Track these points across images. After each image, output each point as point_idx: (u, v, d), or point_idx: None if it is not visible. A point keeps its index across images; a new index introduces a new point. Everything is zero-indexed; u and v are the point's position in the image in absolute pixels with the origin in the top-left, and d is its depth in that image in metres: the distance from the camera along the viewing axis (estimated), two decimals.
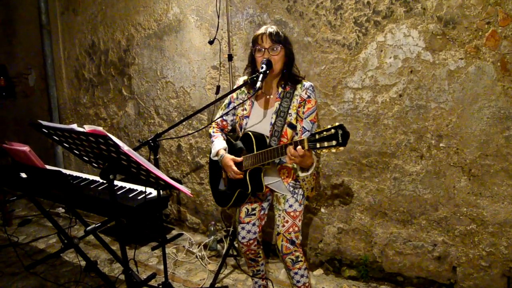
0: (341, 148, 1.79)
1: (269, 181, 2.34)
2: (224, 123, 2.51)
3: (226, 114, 2.46)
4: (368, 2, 2.70)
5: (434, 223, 2.76)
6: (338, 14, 2.83)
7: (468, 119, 2.52)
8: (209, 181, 2.72)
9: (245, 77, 2.39)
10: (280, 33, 2.20)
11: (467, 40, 2.44)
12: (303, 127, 2.24)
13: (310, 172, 2.14)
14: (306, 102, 2.23)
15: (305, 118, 2.24)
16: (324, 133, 1.80)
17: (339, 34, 2.86)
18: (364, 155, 2.92)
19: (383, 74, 2.74)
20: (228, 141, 2.48)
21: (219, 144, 2.41)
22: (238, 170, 2.26)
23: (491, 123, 2.46)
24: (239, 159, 2.29)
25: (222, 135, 2.50)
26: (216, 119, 2.50)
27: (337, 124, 1.78)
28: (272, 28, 2.19)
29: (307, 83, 2.26)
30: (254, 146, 2.21)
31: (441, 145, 2.64)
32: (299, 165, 2.12)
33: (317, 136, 1.83)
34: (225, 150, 2.38)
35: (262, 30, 2.20)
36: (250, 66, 2.36)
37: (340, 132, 1.76)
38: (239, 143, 2.36)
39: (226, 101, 2.49)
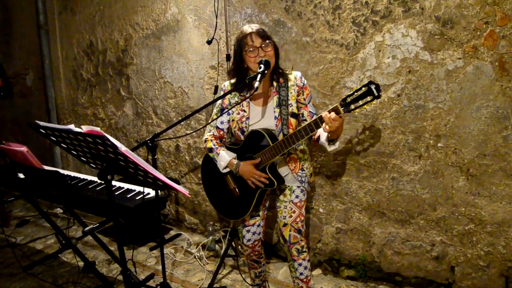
0: (374, 102, 1.89)
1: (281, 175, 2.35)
2: (221, 132, 2.41)
3: (221, 122, 2.39)
4: (366, 2, 2.70)
5: (432, 223, 2.76)
6: (336, 14, 2.83)
7: (466, 119, 2.53)
8: (210, 199, 2.60)
9: (229, 82, 2.36)
10: (264, 27, 2.22)
11: (465, 40, 2.44)
12: (310, 111, 2.31)
13: (338, 144, 2.21)
14: (303, 89, 2.29)
15: (308, 103, 2.31)
16: (355, 93, 1.89)
17: (337, 34, 2.86)
18: (362, 155, 2.92)
19: (382, 74, 2.74)
20: (230, 149, 2.41)
21: (227, 154, 2.33)
22: (262, 173, 2.24)
23: (489, 122, 2.46)
24: (257, 160, 2.25)
25: (223, 146, 2.41)
26: (210, 124, 2.41)
27: (365, 82, 1.87)
28: (255, 25, 2.19)
29: (297, 73, 2.31)
30: (268, 139, 2.19)
31: (439, 145, 2.64)
32: (334, 134, 2.14)
33: (348, 99, 1.92)
34: (235, 158, 2.33)
35: (247, 30, 2.17)
36: (235, 70, 2.28)
37: (373, 86, 1.85)
38: (245, 145, 2.33)
39: (217, 108, 2.40)
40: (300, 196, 2.40)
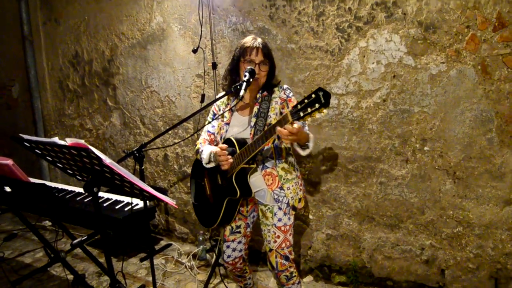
0: (325, 111, 1.74)
1: (254, 189, 2.26)
2: (212, 136, 2.43)
3: (212, 126, 2.42)
4: (349, 8, 2.72)
5: (421, 227, 2.77)
6: (320, 21, 2.84)
7: (451, 122, 2.55)
8: (193, 203, 2.64)
9: (222, 89, 2.40)
10: (268, 45, 2.24)
11: (448, 44, 2.47)
12: None
13: (311, 148, 2.14)
14: (287, 101, 2.27)
15: None
16: (305, 100, 1.76)
17: (322, 40, 2.87)
18: (349, 160, 2.93)
19: (367, 79, 2.76)
20: None
21: (208, 148, 2.30)
22: (229, 156, 2.17)
23: (473, 125, 2.49)
24: (224, 146, 2.19)
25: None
26: (203, 130, 2.45)
27: (316, 88, 1.74)
28: (260, 40, 2.22)
29: (283, 86, 2.32)
30: (237, 147, 2.18)
31: (425, 148, 2.66)
32: (298, 142, 2.08)
33: (299, 106, 1.79)
34: None
35: (252, 42, 2.20)
36: (231, 75, 2.33)
37: (321, 93, 1.72)
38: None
39: (210, 114, 2.47)
40: (284, 219, 2.27)
